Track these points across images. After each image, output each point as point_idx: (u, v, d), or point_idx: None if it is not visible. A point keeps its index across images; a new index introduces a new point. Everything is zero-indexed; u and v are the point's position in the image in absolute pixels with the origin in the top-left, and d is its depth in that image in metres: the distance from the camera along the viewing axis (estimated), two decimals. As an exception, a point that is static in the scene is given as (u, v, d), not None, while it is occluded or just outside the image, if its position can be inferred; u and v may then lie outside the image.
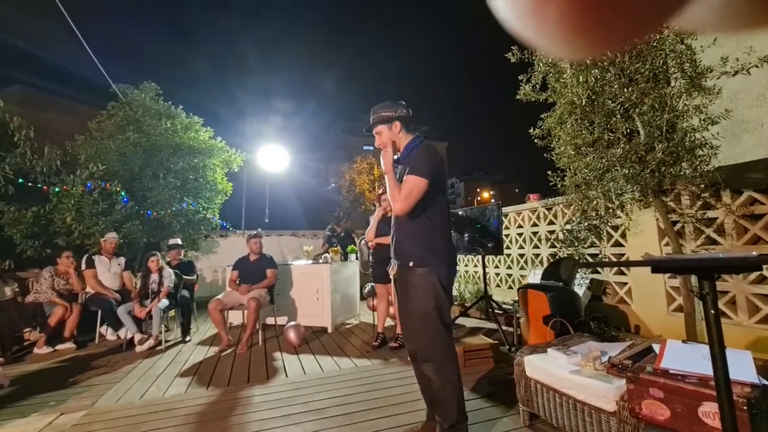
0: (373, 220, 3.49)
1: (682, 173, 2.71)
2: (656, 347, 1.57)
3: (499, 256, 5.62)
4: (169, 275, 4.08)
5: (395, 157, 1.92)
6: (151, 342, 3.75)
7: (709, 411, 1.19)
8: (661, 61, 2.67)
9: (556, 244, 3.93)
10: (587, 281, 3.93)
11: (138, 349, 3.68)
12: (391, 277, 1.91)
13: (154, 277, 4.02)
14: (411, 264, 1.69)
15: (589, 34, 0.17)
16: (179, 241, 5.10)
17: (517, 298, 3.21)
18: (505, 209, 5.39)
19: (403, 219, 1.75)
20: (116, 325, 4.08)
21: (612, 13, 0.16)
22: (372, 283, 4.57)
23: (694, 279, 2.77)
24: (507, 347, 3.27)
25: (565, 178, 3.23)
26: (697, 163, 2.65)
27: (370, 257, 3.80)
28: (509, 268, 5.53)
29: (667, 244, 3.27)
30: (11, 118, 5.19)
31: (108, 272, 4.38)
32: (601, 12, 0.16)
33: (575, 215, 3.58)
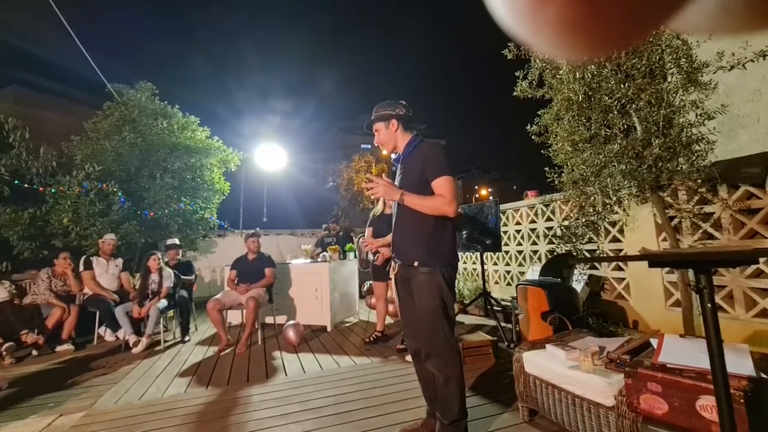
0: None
1: (679, 168, 2.71)
2: (654, 342, 1.58)
3: (497, 253, 5.63)
4: (169, 276, 4.07)
5: (394, 156, 1.92)
6: (143, 341, 3.72)
7: (706, 404, 1.19)
8: (658, 57, 2.67)
9: (554, 240, 3.94)
10: (585, 277, 3.94)
11: (133, 350, 3.66)
12: (392, 276, 1.91)
13: (154, 277, 4.01)
14: (416, 264, 1.69)
15: (586, 36, 0.16)
16: (177, 241, 5.09)
17: (515, 295, 3.22)
18: (503, 206, 5.40)
19: (405, 218, 1.75)
20: (115, 326, 4.07)
21: (608, 15, 0.16)
22: (371, 282, 4.57)
23: (691, 273, 2.78)
24: (506, 344, 3.28)
25: (563, 174, 3.23)
26: (694, 158, 2.66)
27: (370, 255, 3.80)
28: (508, 265, 5.54)
29: (664, 240, 3.28)
30: (6, 119, 5.15)
31: (106, 273, 4.36)
32: (598, 14, 0.16)
33: (573, 211, 3.59)
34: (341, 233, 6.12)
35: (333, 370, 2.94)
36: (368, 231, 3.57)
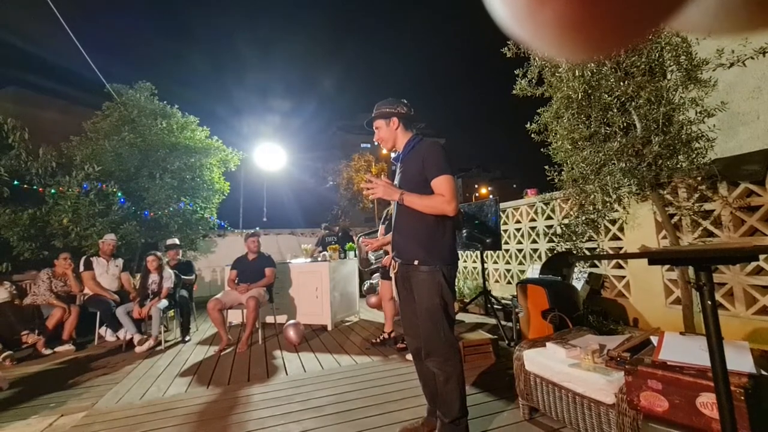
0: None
1: (678, 166, 2.71)
2: (654, 340, 1.58)
3: (497, 252, 5.63)
4: (170, 276, 4.07)
5: (393, 155, 1.92)
6: (150, 342, 3.74)
7: (706, 402, 1.20)
8: (657, 54, 2.67)
9: (554, 238, 3.94)
10: (585, 275, 3.94)
11: (137, 349, 3.67)
12: (392, 275, 1.91)
13: (154, 277, 4.01)
14: (416, 263, 1.69)
15: (585, 36, 0.16)
16: (177, 241, 5.09)
17: (516, 293, 3.22)
18: (503, 205, 5.40)
19: (405, 218, 1.75)
20: (115, 326, 4.07)
21: (607, 14, 0.16)
22: (370, 281, 4.57)
23: (691, 271, 2.79)
24: (506, 342, 3.28)
25: (563, 172, 3.23)
26: (694, 155, 2.66)
27: (370, 254, 3.79)
28: (508, 263, 5.54)
29: (664, 237, 3.28)
30: (6, 119, 5.15)
31: (106, 273, 4.36)
32: (597, 13, 0.16)
33: (573, 210, 3.59)
34: (341, 233, 6.12)
35: (333, 369, 2.94)
36: (381, 228, 3.57)
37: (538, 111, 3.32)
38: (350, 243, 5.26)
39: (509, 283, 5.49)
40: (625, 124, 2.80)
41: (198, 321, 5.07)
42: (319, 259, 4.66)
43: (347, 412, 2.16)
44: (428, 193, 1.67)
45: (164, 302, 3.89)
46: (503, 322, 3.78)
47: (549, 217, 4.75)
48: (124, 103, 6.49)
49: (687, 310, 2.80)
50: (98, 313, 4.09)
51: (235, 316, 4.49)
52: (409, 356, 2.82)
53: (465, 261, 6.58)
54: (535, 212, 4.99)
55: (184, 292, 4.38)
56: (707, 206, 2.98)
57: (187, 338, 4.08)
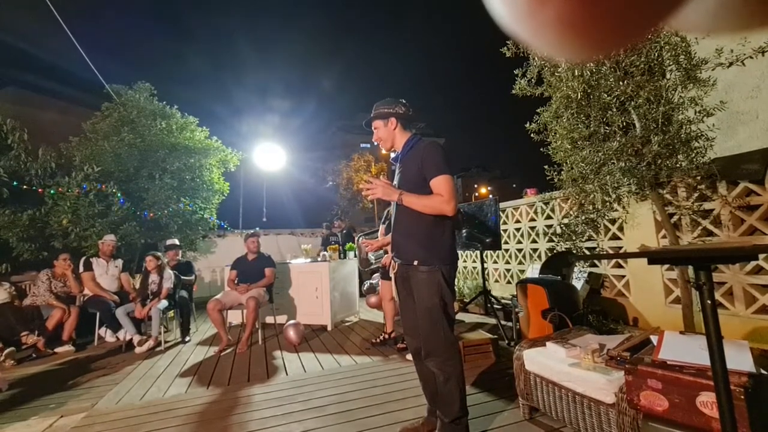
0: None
1: (678, 165, 2.71)
2: (654, 339, 1.58)
3: (497, 252, 5.63)
4: (170, 276, 4.07)
5: (392, 155, 1.92)
6: (150, 343, 3.74)
7: (706, 401, 1.20)
8: (656, 54, 2.67)
9: (553, 238, 3.94)
10: (585, 275, 3.94)
11: (137, 350, 3.67)
12: (391, 275, 1.91)
13: (154, 277, 4.01)
14: (415, 263, 1.69)
15: (585, 36, 0.16)
16: (177, 242, 5.09)
17: (515, 293, 3.22)
18: (502, 204, 5.40)
19: (405, 218, 1.75)
20: (115, 326, 4.07)
21: (607, 14, 0.16)
22: (370, 281, 4.57)
23: (691, 270, 2.79)
24: (506, 342, 3.28)
25: (562, 172, 3.23)
26: (693, 155, 2.66)
27: (370, 255, 3.79)
28: (508, 263, 5.54)
29: (664, 237, 3.28)
30: (5, 120, 5.15)
31: (106, 274, 4.36)
32: (596, 13, 0.16)
33: (572, 209, 3.59)
34: (345, 231, 6.12)
35: (334, 369, 2.94)
36: (381, 228, 3.57)
37: (538, 111, 3.33)
38: (350, 243, 5.26)
39: (509, 282, 5.49)
40: (624, 123, 2.80)
41: (198, 321, 5.07)
42: (319, 259, 4.66)
43: (348, 412, 2.16)
44: (427, 193, 1.67)
45: (164, 303, 3.89)
46: (503, 322, 3.78)
47: (549, 217, 4.75)
48: (124, 103, 6.49)
49: (687, 310, 2.80)
50: (98, 314, 4.09)
51: (235, 317, 4.49)
52: (409, 356, 2.82)
53: (465, 261, 6.58)
54: (535, 212, 5.00)
55: (183, 293, 4.37)
56: (707, 205, 2.99)
57: (187, 339, 4.08)
